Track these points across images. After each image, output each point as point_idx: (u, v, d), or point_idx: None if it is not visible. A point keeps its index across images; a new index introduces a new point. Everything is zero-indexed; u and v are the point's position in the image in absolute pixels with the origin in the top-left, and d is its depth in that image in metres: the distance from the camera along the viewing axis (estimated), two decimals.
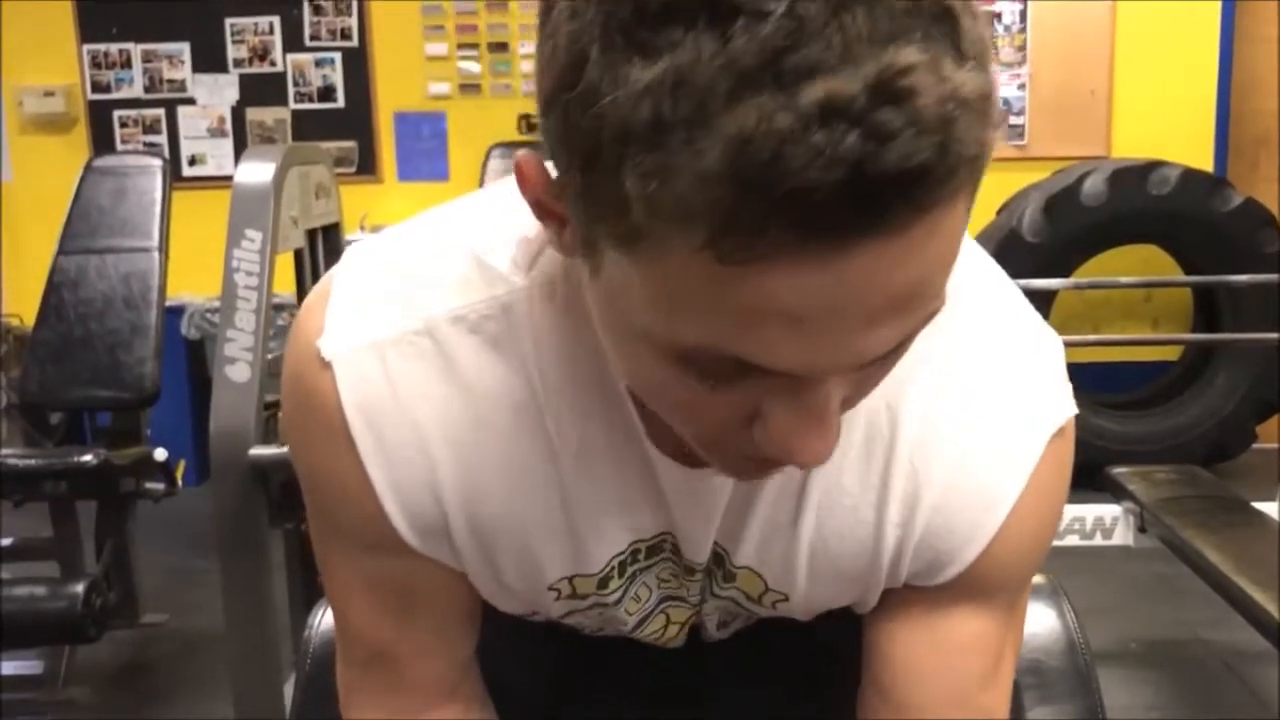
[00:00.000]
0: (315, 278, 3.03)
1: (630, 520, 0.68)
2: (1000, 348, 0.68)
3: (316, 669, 0.84)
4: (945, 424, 0.66)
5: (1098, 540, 3.07)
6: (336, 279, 0.67)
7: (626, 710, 0.83)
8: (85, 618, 2.61)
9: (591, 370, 0.64)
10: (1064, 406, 0.68)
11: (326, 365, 0.64)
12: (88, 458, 2.81)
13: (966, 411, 0.67)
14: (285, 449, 2.34)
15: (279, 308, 3.40)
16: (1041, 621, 0.86)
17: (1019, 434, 0.67)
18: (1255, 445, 4.30)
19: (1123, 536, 3.07)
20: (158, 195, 3.18)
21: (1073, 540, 3.06)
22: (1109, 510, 3.09)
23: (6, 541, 3.07)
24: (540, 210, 0.55)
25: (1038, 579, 0.90)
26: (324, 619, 0.87)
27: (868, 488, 0.67)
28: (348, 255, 0.69)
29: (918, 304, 0.49)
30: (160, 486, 3.08)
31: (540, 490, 0.66)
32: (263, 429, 2.39)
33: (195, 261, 3.57)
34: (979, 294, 0.68)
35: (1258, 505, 2.99)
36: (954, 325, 0.64)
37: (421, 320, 0.64)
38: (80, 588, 2.60)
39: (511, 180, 0.57)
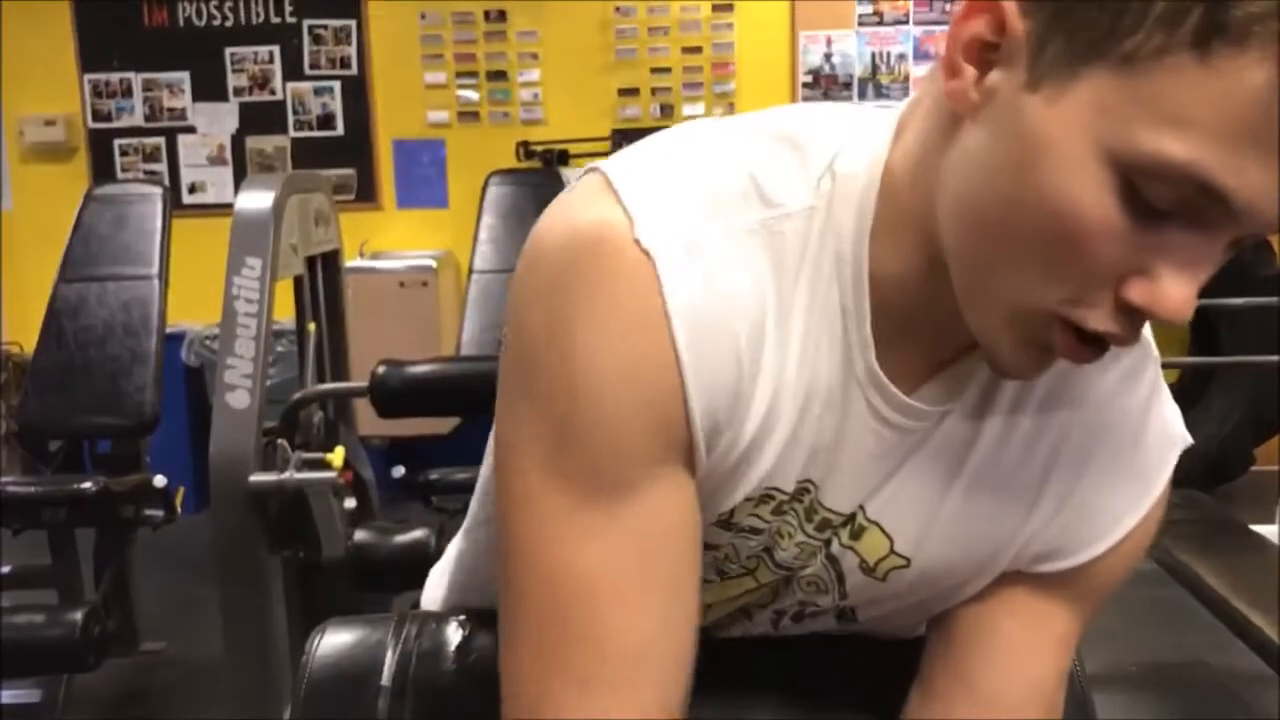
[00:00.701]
0: (315, 305, 3.05)
1: (806, 455, 0.68)
2: (1156, 356, 0.73)
3: (313, 695, 0.84)
4: (1112, 421, 0.70)
5: None
6: (619, 185, 0.64)
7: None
8: (84, 646, 2.60)
9: (843, 297, 0.66)
10: (1184, 430, 0.73)
11: (649, 258, 0.62)
12: (87, 485, 2.82)
13: (1135, 410, 0.71)
14: (285, 476, 2.35)
15: (278, 334, 3.41)
16: None
17: (1169, 439, 0.72)
18: (1254, 468, 4.31)
19: None
20: (158, 223, 3.19)
21: None
22: None
23: (5, 569, 3.07)
24: (969, 52, 0.58)
25: None
26: (321, 643, 0.87)
27: (1029, 463, 0.70)
28: (614, 169, 0.65)
29: None
30: (159, 514, 3.08)
31: (789, 407, 0.66)
32: (262, 456, 2.40)
33: (195, 289, 3.58)
34: None
35: (1256, 528, 2.99)
36: None
37: (725, 227, 0.64)
38: (79, 615, 2.60)
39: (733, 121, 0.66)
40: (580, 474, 0.63)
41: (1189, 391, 4.39)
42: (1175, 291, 0.55)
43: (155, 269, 3.13)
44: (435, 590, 0.94)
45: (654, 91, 4.79)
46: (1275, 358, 3.63)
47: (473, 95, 4.82)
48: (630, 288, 0.62)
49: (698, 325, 0.62)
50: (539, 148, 4.55)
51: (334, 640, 0.87)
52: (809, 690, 0.83)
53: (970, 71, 0.58)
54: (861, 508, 0.71)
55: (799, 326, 0.65)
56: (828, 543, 0.73)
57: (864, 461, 0.69)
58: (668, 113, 4.77)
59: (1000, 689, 0.72)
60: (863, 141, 0.66)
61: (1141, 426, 0.71)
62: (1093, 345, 0.59)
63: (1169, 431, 0.72)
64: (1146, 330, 0.70)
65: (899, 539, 0.71)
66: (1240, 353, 4.08)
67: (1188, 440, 0.72)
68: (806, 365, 0.66)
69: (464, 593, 0.90)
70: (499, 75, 4.81)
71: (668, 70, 4.77)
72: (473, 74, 4.81)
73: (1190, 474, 3.17)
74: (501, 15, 4.76)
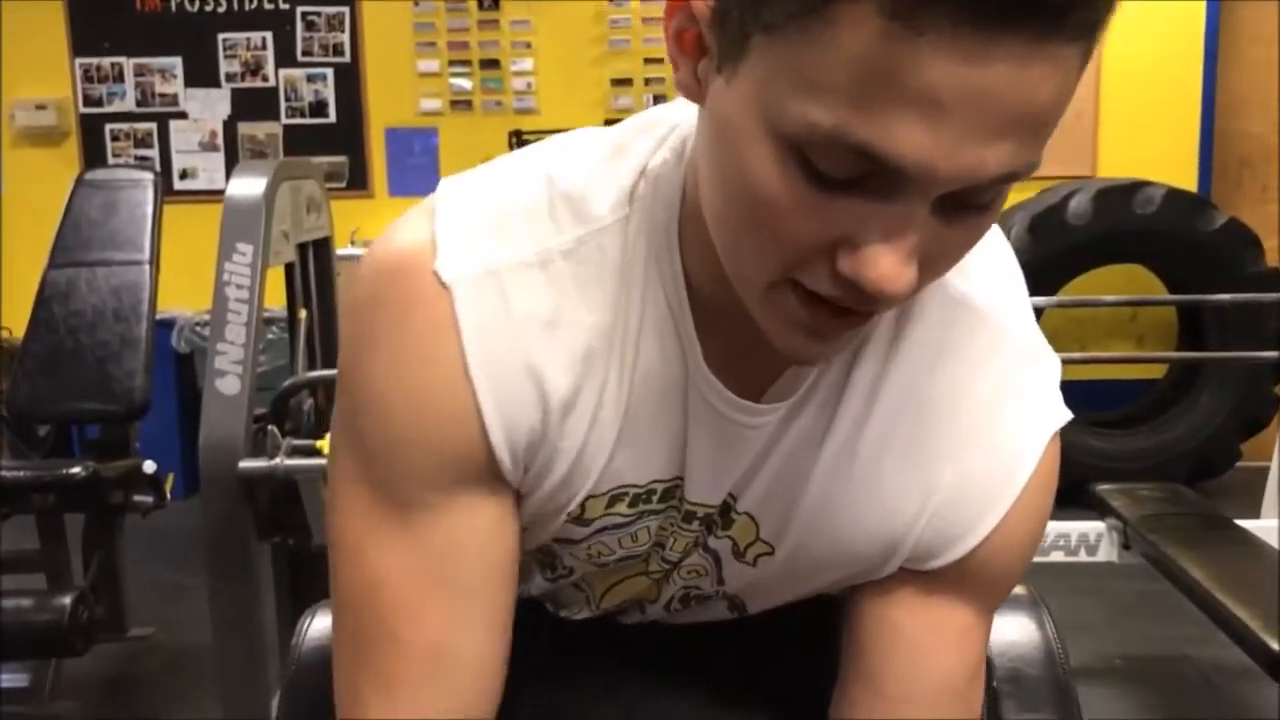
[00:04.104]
0: (306, 292, 3.04)
1: (661, 455, 0.70)
2: (1020, 346, 0.72)
3: (302, 677, 0.85)
4: (968, 411, 0.70)
5: (1082, 556, 3.09)
6: (438, 209, 0.68)
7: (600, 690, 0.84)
8: (73, 631, 2.61)
9: (668, 293, 0.67)
10: (1064, 410, 0.71)
11: (445, 287, 0.65)
12: (76, 470, 2.81)
13: (987, 402, 0.70)
14: (275, 462, 2.35)
15: (269, 321, 3.41)
16: (1022, 631, 0.87)
17: (1030, 429, 0.71)
18: (1240, 463, 4.33)
19: (1107, 553, 3.09)
20: (149, 209, 3.18)
21: (1057, 556, 3.08)
22: (1093, 527, 3.11)
23: None
24: (679, 44, 0.59)
25: (1018, 590, 0.92)
26: (312, 625, 0.88)
27: (886, 454, 0.70)
28: (443, 190, 0.69)
29: (1036, 133, 0.53)
30: (149, 500, 3.08)
31: (611, 415, 0.68)
32: (252, 442, 2.40)
33: (186, 275, 3.58)
34: (1009, 292, 0.72)
35: (1241, 523, 3.01)
36: (982, 318, 0.70)
37: (534, 252, 0.66)
38: (67, 600, 2.60)
39: (573, 136, 0.66)
40: (378, 486, 0.67)
41: (1176, 387, 4.41)
42: (881, 260, 0.54)
43: (146, 254, 3.12)
44: None
45: (647, 82, 4.79)
46: (1260, 354, 3.65)
47: (465, 84, 4.81)
48: (425, 320, 0.65)
49: (494, 355, 0.65)
50: (531, 137, 4.55)
51: (324, 623, 0.88)
52: (721, 675, 0.85)
53: (685, 62, 0.60)
54: (733, 498, 0.73)
55: (627, 333, 0.67)
56: (706, 534, 0.75)
57: (720, 457, 0.71)
58: (660, 103, 4.76)
59: (907, 689, 0.73)
60: (682, 135, 0.68)
61: (997, 415, 0.70)
62: (843, 317, 0.59)
63: (1033, 418, 0.71)
64: (1017, 324, 0.71)
65: (764, 527, 0.73)
66: (1227, 349, 4.11)
67: (1061, 420, 0.71)
68: (638, 369, 0.68)
69: None
70: (492, 64, 4.80)
71: (661, 61, 4.76)
72: (466, 63, 4.80)
73: (1176, 469, 3.21)
74: (495, 4, 4.75)
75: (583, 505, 0.72)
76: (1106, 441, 4.20)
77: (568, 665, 0.85)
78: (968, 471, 0.70)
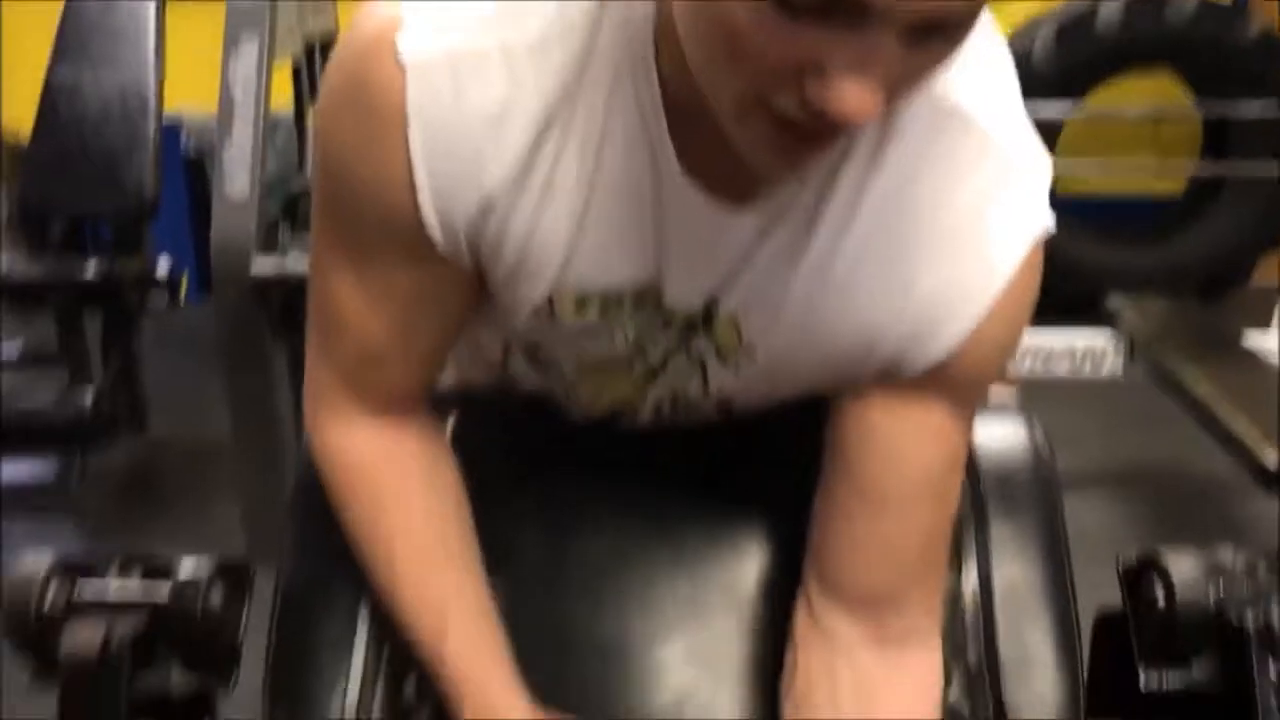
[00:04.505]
0: (314, 93, 3.00)
1: (628, 254, 0.71)
2: (1007, 153, 0.71)
3: (314, 470, 0.88)
4: (948, 217, 0.70)
5: (1087, 370, 3.11)
6: None
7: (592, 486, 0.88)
8: (95, 423, 2.68)
9: (640, 96, 0.67)
10: (1048, 217, 0.71)
11: (400, 67, 0.66)
12: (91, 268, 2.84)
13: (968, 209, 0.70)
14: (285, 261, 2.37)
15: (276, 125, 3.37)
16: (1011, 438, 0.89)
17: (1010, 236, 0.71)
18: (1253, 283, 4.31)
19: (1112, 366, 3.11)
20: (152, 6, 3.11)
21: (1063, 371, 3.10)
22: (1100, 339, 3.12)
23: (14, 350, 3.12)
24: None
25: (1008, 399, 0.93)
26: None
27: (867, 261, 0.70)
28: None
29: None
30: (164, 299, 3.12)
31: (564, 207, 0.69)
32: (263, 244, 2.40)
33: (192, 77, 3.52)
34: (998, 101, 0.71)
35: (1248, 340, 3.03)
36: (968, 127, 0.69)
37: (497, 43, 0.67)
38: (89, 394, 2.66)
39: None
40: (336, 231, 0.75)
41: (1194, 203, 4.35)
42: (848, 90, 0.54)
43: (150, 53, 3.07)
44: None
45: None
46: None
47: None
48: (378, 99, 0.68)
49: (436, 144, 0.67)
50: None
51: None
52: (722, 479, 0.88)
53: None
54: (715, 301, 0.73)
55: (589, 129, 0.68)
56: (688, 338, 0.76)
57: (700, 259, 0.71)
58: None
59: (886, 486, 0.75)
60: None
61: (977, 222, 0.70)
62: (813, 139, 0.59)
63: (1014, 225, 0.71)
64: (1005, 132, 0.70)
65: (746, 330, 0.74)
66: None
67: (1042, 228, 0.71)
68: (600, 170, 0.68)
69: (462, 369, 0.93)
70: None
71: None
72: None
73: (1189, 285, 3.20)
74: None
75: (551, 304, 0.73)
76: (1122, 256, 4.17)
77: (568, 463, 0.88)
78: (945, 277, 0.70)
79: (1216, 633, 0.78)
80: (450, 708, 0.79)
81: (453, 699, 0.79)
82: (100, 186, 3.04)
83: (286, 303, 2.43)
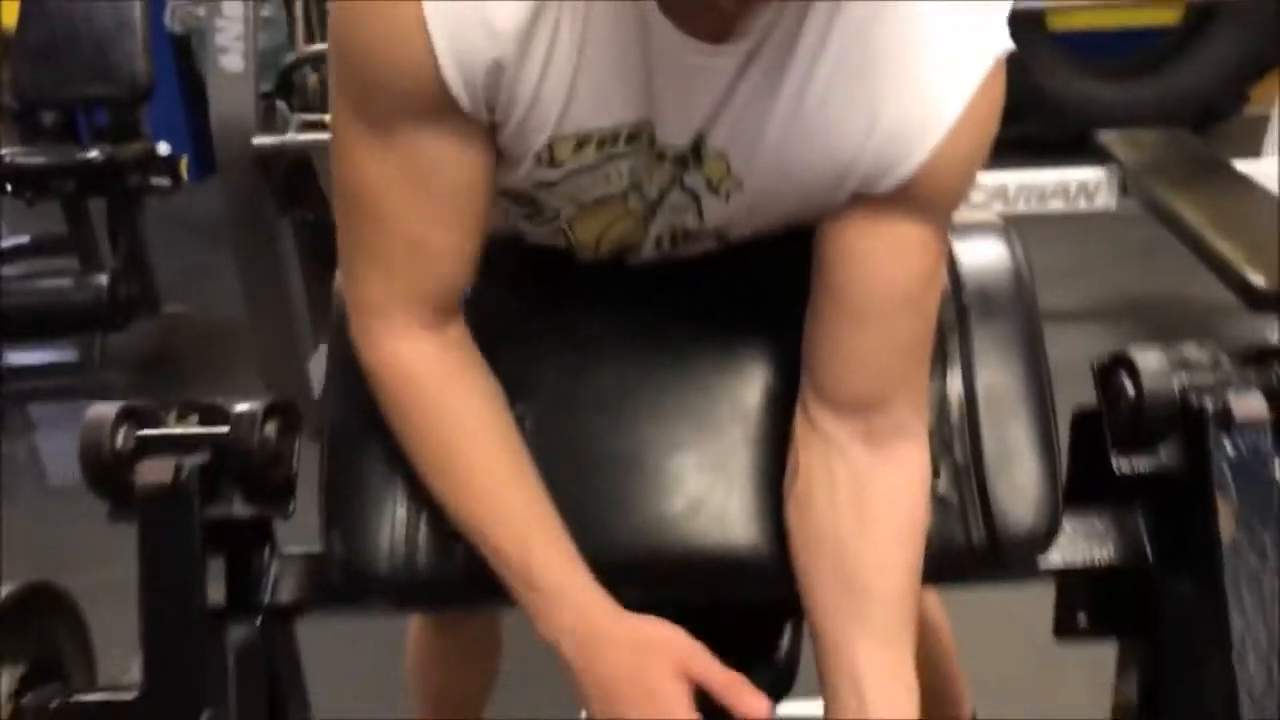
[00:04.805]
0: None
1: (621, 98, 0.76)
2: None
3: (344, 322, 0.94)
4: (912, 42, 0.74)
5: (1081, 204, 3.15)
6: None
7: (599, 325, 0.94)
8: (112, 306, 2.75)
9: None
10: (1007, 38, 0.76)
11: None
12: (94, 153, 2.87)
13: (930, 33, 0.74)
14: (286, 138, 2.40)
15: None
16: (992, 254, 0.95)
17: (971, 55, 0.75)
18: (1246, 112, 4.32)
19: (1105, 200, 3.15)
20: None
21: (1056, 205, 3.15)
22: (1093, 174, 3.16)
23: (25, 239, 3.17)
24: None
25: (991, 219, 0.99)
26: None
27: (836, 90, 0.75)
28: None
29: None
30: (166, 181, 3.15)
31: (565, 57, 0.73)
32: (262, 119, 2.43)
33: None
34: None
35: (1239, 166, 3.06)
36: None
37: None
38: (104, 278, 2.73)
39: None
40: (358, 110, 0.77)
41: (1187, 34, 4.33)
42: None
43: None
44: None
45: None
46: None
47: None
48: None
49: (450, 11, 0.70)
50: None
51: None
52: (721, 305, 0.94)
53: None
54: (702, 137, 0.78)
55: None
56: (682, 173, 0.81)
57: (686, 98, 0.76)
58: None
59: (865, 297, 0.81)
60: None
61: (938, 46, 0.74)
62: None
63: (976, 46, 0.75)
64: None
65: (733, 163, 0.79)
66: None
67: (1003, 49, 0.75)
68: (590, 19, 0.72)
69: None
70: None
71: None
72: None
73: (1181, 116, 3.21)
74: None
75: (551, 148, 0.78)
76: (1113, 90, 4.17)
77: (579, 301, 0.94)
78: (909, 100, 0.74)
79: (1180, 419, 0.85)
80: (538, 617, 0.83)
81: (542, 608, 0.83)
82: (93, 74, 3.05)
83: (289, 174, 2.47)
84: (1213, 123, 4.26)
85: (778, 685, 1.03)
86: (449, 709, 1.50)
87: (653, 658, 0.80)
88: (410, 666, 1.44)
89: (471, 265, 0.84)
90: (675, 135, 0.79)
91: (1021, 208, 3.08)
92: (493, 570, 0.84)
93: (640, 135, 0.79)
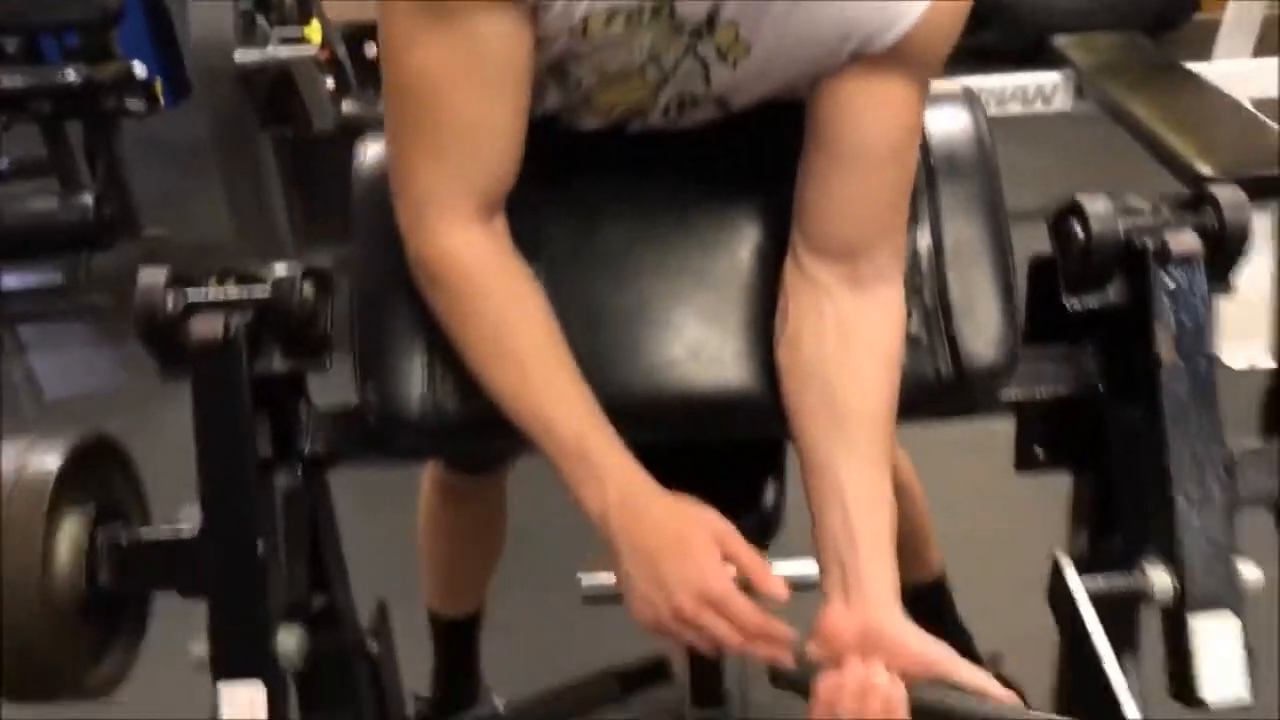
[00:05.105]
0: None
1: None
2: None
3: (364, 190, 1.02)
4: None
5: (1039, 107, 3.25)
6: None
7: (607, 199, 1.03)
8: (97, 226, 2.80)
9: None
10: None
11: None
12: (71, 75, 2.89)
13: None
14: (267, 52, 2.45)
15: None
16: (957, 120, 1.04)
17: None
18: (1198, 16, 4.40)
19: (1062, 102, 3.25)
20: None
21: (1015, 108, 3.25)
22: (1049, 77, 3.26)
23: (4, 163, 3.19)
24: None
25: (956, 88, 1.08)
26: (367, 151, 1.04)
27: None
28: None
29: None
30: (141, 103, 3.17)
31: None
32: (242, 35, 2.47)
33: None
34: None
35: (1190, 66, 3.16)
36: None
37: None
38: (89, 198, 2.77)
39: None
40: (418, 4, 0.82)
41: None
42: None
43: None
44: None
45: None
46: None
47: None
48: None
49: None
50: None
51: (376, 148, 1.04)
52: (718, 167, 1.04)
53: None
54: (717, 9, 0.87)
55: None
56: (696, 42, 0.90)
57: None
58: None
59: (856, 148, 0.90)
60: None
61: None
62: None
63: None
64: None
65: (743, 30, 0.88)
66: None
67: None
68: None
69: None
70: None
71: None
72: None
73: (1136, 22, 3.30)
74: None
75: (585, 21, 0.86)
76: None
77: (586, 165, 1.03)
78: None
79: (1125, 258, 0.96)
80: (582, 487, 0.90)
81: (590, 481, 0.89)
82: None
83: (271, 92, 2.52)
84: (1166, 29, 4.35)
85: (763, 532, 1.14)
86: (459, 577, 1.62)
87: (694, 527, 0.88)
88: (423, 541, 1.55)
89: (520, 150, 0.90)
90: (694, 9, 0.87)
91: None
92: (538, 443, 0.91)
93: (662, 10, 0.87)
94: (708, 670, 1.33)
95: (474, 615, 1.66)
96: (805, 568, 0.96)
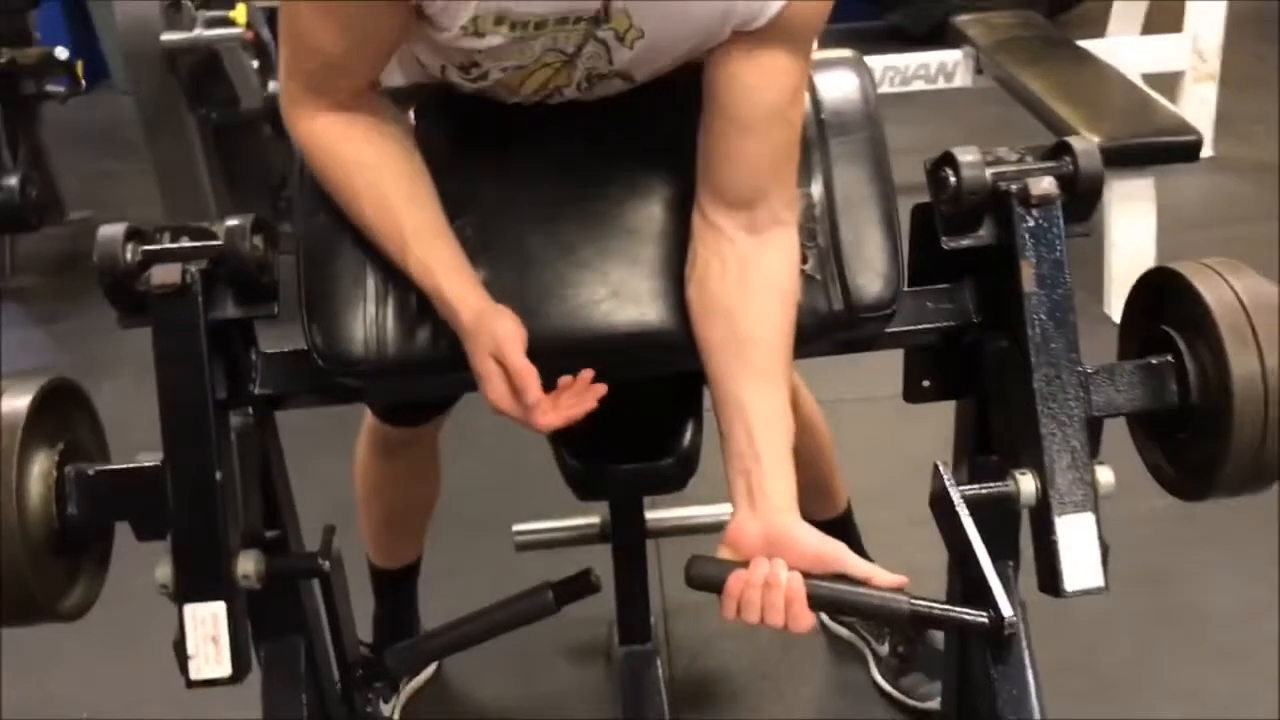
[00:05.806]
0: None
1: None
2: None
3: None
4: None
5: (940, 83, 3.40)
6: None
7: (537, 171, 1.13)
8: (23, 208, 2.82)
9: None
10: None
11: None
12: None
13: None
14: (194, 34, 2.49)
15: None
16: (845, 83, 1.15)
17: None
18: None
19: (962, 79, 3.41)
20: None
21: (918, 85, 3.40)
22: (950, 55, 3.41)
23: None
24: None
25: (846, 54, 1.20)
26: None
27: None
28: None
29: None
30: (62, 88, 3.19)
31: None
32: (168, 17, 2.52)
33: None
34: None
35: (1084, 44, 3.32)
36: None
37: None
38: (14, 180, 2.79)
39: None
40: None
41: None
42: None
43: None
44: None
45: None
46: None
47: None
48: None
49: None
50: None
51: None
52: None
53: None
54: (607, 3, 0.96)
55: None
56: (594, 29, 1.00)
57: None
58: None
59: (747, 111, 1.01)
60: None
61: None
62: None
63: None
64: None
65: (634, 17, 0.98)
66: None
67: None
68: None
69: (411, 78, 1.17)
70: None
71: None
72: None
73: (1037, 2, 3.44)
74: None
75: (475, 21, 0.96)
76: None
77: (513, 131, 1.13)
78: None
79: (993, 202, 1.08)
80: (448, 317, 1.04)
81: (449, 315, 1.03)
82: None
83: (198, 71, 2.56)
84: (1063, 9, 4.54)
85: (682, 472, 1.26)
86: (397, 529, 1.71)
87: (480, 339, 1.02)
88: (361, 496, 1.64)
89: (375, 79, 1.07)
90: (584, 6, 0.97)
91: (887, 88, 3.32)
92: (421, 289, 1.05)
93: (547, 24, 0.97)
94: (635, 609, 1.45)
95: (412, 565, 1.75)
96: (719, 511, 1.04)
